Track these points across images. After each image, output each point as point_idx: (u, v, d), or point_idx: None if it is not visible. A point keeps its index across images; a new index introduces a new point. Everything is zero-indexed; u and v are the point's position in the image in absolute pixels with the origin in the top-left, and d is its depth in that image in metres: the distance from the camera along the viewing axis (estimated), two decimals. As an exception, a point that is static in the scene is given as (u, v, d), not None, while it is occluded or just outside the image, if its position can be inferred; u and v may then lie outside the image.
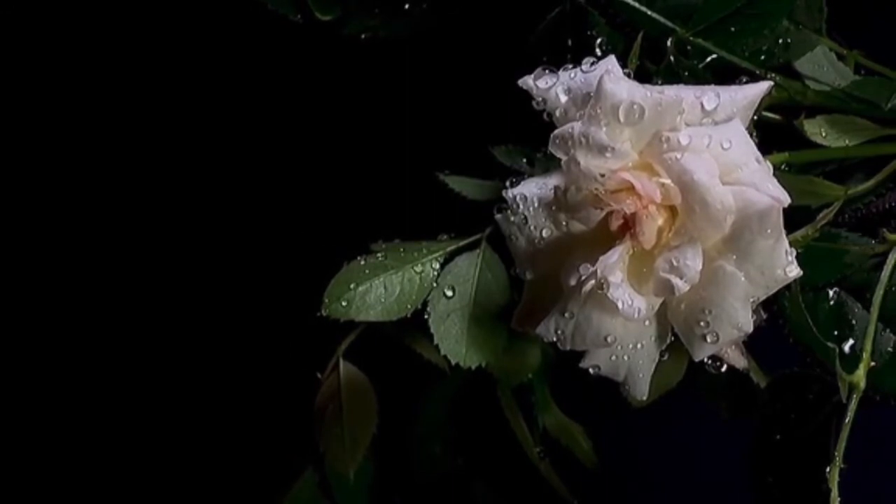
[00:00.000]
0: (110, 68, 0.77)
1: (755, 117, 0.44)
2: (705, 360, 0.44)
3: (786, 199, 0.40)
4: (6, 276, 0.79)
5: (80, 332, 0.78)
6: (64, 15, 0.76)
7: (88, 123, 0.78)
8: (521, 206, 0.44)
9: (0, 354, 0.78)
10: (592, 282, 0.41)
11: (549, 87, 0.44)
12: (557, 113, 0.44)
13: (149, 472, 0.78)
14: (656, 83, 0.44)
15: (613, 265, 0.41)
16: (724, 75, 0.49)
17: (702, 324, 0.42)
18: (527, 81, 0.44)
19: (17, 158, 0.78)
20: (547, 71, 0.44)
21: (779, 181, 0.41)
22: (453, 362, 0.50)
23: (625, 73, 0.43)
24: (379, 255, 0.51)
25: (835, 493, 0.44)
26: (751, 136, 0.42)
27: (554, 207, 0.44)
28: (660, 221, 0.41)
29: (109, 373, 0.78)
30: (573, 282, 0.42)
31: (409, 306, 0.50)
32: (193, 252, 0.77)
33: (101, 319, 0.78)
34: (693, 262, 0.41)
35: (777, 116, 0.52)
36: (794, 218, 0.43)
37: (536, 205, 0.44)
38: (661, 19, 0.52)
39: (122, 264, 0.78)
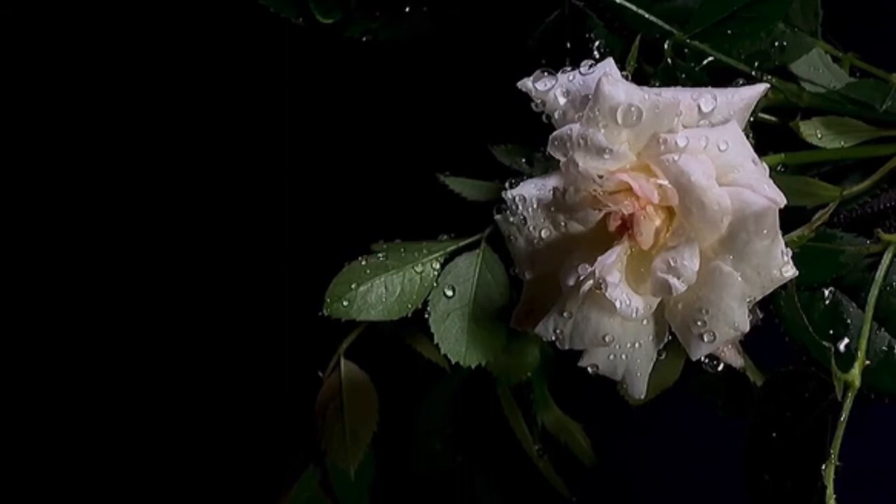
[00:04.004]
0: (112, 70, 0.77)
1: (751, 119, 0.44)
2: (702, 358, 0.44)
3: (782, 200, 0.41)
4: (6, 276, 0.79)
5: (81, 332, 0.78)
6: (64, 15, 0.76)
7: (89, 125, 0.78)
8: (521, 207, 0.45)
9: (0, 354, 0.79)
10: (591, 282, 0.41)
11: (548, 89, 0.44)
12: (556, 115, 0.44)
13: (150, 472, 0.78)
14: (654, 85, 0.44)
15: (611, 265, 0.41)
16: (721, 78, 0.49)
17: (699, 323, 0.42)
18: (526, 84, 0.44)
19: (17, 158, 0.78)
20: (546, 73, 0.44)
21: (775, 182, 0.41)
22: (453, 361, 0.50)
23: (623, 76, 0.43)
24: (380, 255, 0.51)
25: (830, 490, 0.44)
26: (747, 137, 0.43)
27: (553, 208, 0.44)
28: (657, 222, 0.41)
29: (111, 372, 0.78)
30: (572, 282, 0.42)
31: (409, 306, 0.50)
32: (195, 252, 0.77)
33: (102, 319, 0.78)
34: (690, 262, 0.41)
35: (773, 118, 0.52)
36: (790, 218, 0.43)
37: (535, 206, 0.44)
38: (659, 22, 0.52)
39: (123, 264, 0.79)
